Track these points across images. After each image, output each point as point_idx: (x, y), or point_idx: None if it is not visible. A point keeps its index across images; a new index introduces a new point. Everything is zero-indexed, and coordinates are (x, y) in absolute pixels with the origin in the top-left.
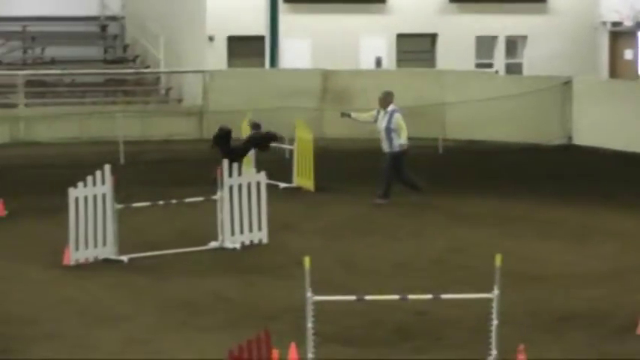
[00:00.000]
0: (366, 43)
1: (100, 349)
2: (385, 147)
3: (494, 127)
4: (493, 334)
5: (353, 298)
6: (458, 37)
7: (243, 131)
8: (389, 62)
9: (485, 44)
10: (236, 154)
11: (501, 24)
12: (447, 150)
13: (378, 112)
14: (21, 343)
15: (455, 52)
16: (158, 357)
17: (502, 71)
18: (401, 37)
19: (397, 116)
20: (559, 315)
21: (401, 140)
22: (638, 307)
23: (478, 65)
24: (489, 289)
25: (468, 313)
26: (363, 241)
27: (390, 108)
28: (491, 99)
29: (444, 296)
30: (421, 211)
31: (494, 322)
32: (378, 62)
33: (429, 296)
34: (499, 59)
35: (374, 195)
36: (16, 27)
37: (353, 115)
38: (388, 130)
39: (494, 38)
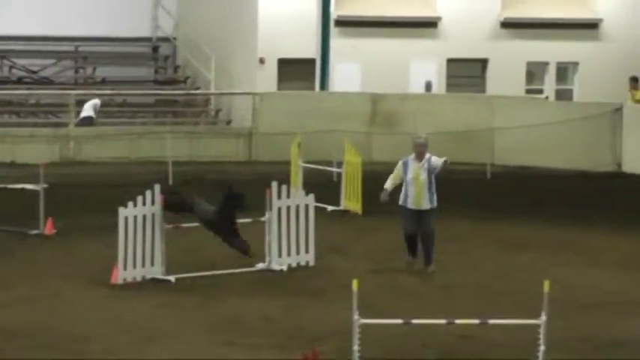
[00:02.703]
0: (416, 67)
1: None
2: (426, 203)
3: (543, 153)
4: None
5: (399, 321)
6: (508, 62)
7: (292, 153)
8: (439, 87)
9: (535, 70)
10: None
11: (552, 50)
12: (495, 175)
13: (405, 164)
14: None
15: (505, 77)
16: None
17: (552, 97)
18: (451, 62)
19: (435, 157)
20: (606, 343)
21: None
22: None
23: (528, 91)
24: (537, 315)
25: (515, 338)
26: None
27: (427, 155)
28: (541, 125)
29: (492, 321)
30: (468, 237)
31: (542, 348)
32: (428, 86)
33: (476, 321)
34: (549, 85)
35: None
36: (68, 47)
37: (388, 187)
38: (430, 180)
39: (545, 64)
